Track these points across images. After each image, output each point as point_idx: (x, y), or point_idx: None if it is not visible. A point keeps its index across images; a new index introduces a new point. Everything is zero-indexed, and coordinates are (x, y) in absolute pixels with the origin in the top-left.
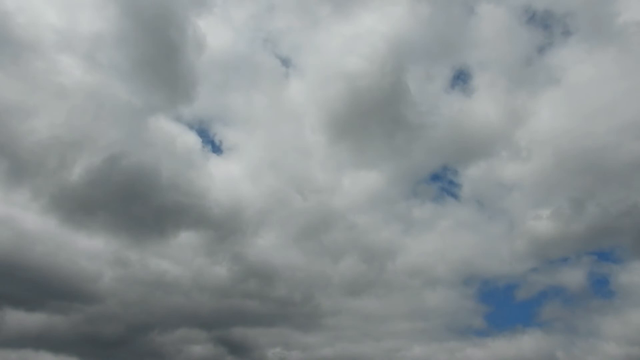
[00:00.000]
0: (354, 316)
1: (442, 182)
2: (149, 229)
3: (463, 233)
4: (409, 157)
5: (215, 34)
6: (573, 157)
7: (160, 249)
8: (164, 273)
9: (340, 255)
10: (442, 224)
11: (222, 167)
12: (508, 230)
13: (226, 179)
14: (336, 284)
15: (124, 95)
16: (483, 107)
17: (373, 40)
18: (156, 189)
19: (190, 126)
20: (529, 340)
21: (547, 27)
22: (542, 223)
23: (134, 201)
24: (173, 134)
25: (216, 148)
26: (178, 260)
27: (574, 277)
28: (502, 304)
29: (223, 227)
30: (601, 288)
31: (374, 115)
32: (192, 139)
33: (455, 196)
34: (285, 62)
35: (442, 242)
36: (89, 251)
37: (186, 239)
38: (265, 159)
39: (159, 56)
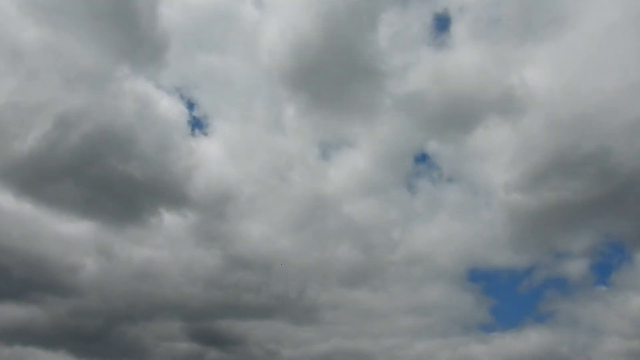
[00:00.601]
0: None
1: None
2: (124, 209)
3: (462, 219)
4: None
5: None
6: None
7: (141, 233)
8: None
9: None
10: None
11: (203, 140)
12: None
13: (207, 150)
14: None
15: (86, 55)
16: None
17: None
18: (128, 161)
19: (168, 91)
20: (532, 335)
21: None
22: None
23: (102, 174)
24: (145, 100)
25: (196, 121)
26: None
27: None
28: (506, 296)
29: (207, 209)
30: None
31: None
32: (167, 104)
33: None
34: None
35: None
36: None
37: (170, 223)
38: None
39: (123, 13)
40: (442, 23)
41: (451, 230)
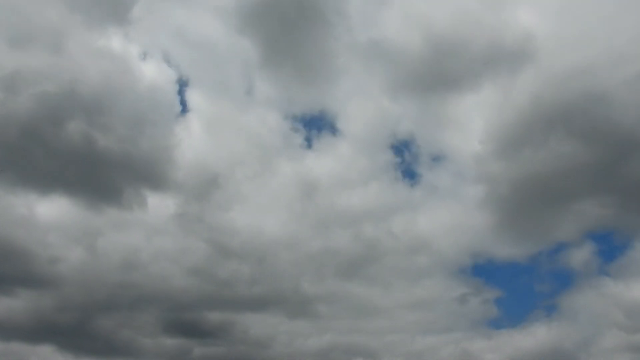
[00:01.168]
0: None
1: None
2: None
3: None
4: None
5: None
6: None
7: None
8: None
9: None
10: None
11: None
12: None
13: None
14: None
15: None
16: None
17: None
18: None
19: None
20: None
21: None
22: None
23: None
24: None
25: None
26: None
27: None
28: (511, 289)
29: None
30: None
31: None
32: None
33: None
34: None
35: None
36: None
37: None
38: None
39: None
40: None
41: (446, 216)
